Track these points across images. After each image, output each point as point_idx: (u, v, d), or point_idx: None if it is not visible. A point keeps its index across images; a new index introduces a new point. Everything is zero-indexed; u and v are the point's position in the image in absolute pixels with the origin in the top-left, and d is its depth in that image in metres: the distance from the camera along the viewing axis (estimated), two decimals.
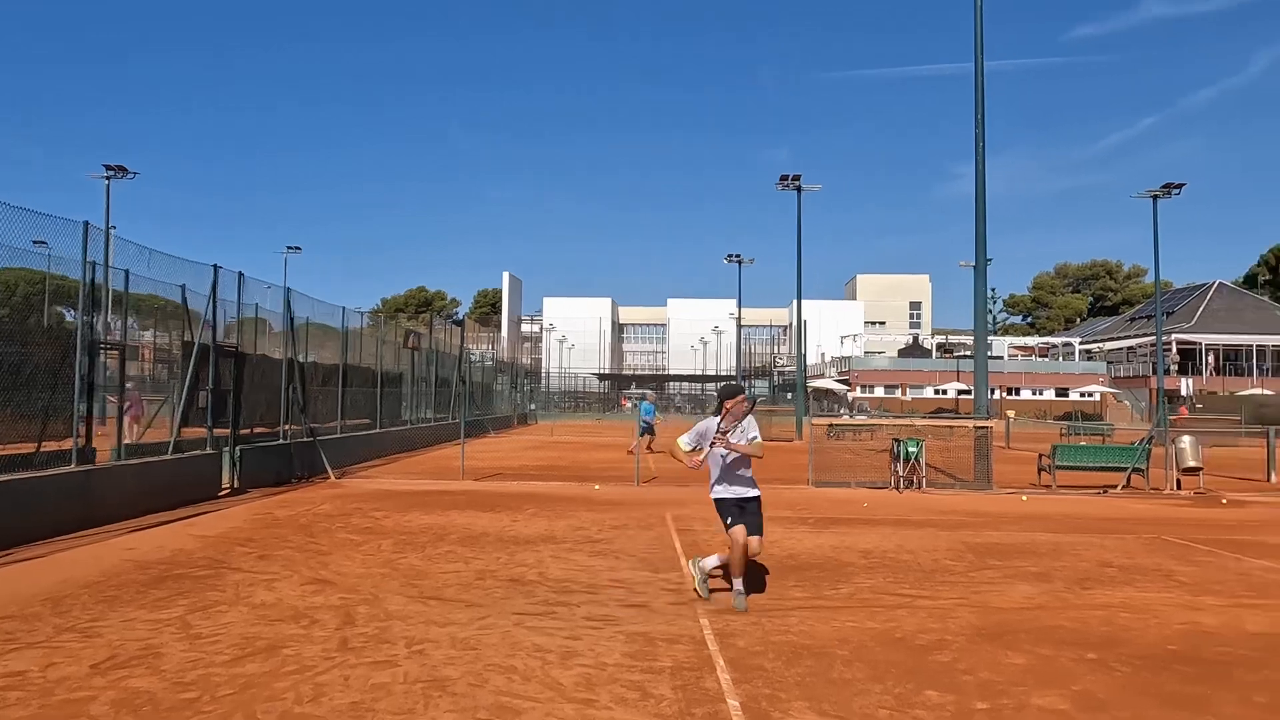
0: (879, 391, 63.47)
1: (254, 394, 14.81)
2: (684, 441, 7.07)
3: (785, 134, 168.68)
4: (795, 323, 35.64)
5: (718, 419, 6.87)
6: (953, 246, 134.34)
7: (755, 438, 6.92)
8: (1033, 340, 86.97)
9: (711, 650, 5.60)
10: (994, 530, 11.10)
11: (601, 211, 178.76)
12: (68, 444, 10.63)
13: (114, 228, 55.71)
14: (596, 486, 15.51)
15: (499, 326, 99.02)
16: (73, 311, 13.62)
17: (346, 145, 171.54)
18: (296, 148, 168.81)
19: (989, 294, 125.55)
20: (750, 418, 6.90)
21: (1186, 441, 16.33)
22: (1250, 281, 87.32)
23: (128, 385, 18.52)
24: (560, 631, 5.97)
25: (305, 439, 16.29)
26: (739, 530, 6.71)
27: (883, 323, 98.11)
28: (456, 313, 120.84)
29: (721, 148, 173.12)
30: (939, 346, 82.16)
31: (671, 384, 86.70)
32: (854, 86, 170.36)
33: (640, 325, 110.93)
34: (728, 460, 6.82)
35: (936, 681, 5.03)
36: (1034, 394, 65.52)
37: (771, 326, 60.97)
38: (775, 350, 60.23)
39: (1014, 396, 63.93)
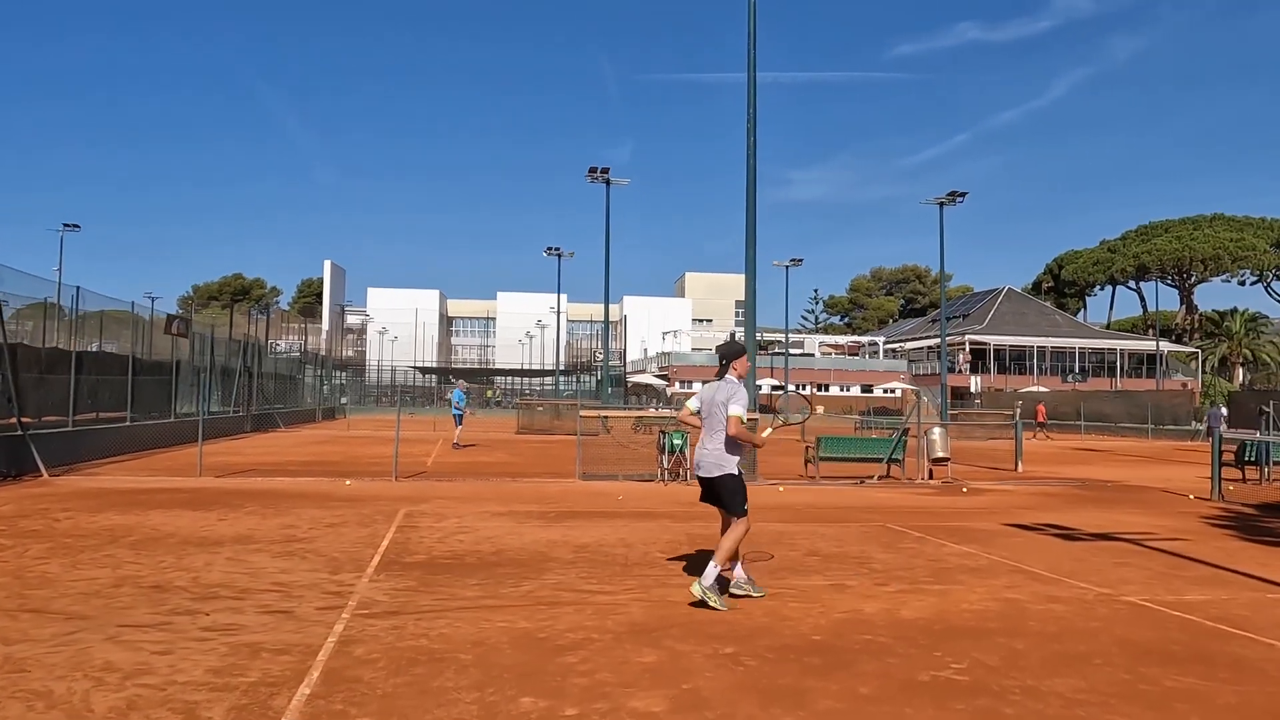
0: (697, 386, 64.65)
1: None
2: (692, 404, 6.92)
3: (626, 135, 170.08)
4: (605, 316, 35.58)
5: (725, 380, 6.64)
6: (782, 247, 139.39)
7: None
8: (842, 339, 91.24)
9: (318, 660, 5.01)
10: None
11: (435, 205, 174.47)
12: None
13: None
14: (347, 482, 14.59)
15: (322, 317, 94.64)
16: None
17: (160, 127, 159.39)
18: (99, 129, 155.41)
19: (812, 294, 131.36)
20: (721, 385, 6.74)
21: (937, 433, 17.10)
22: (1036, 288, 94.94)
23: None
24: (154, 646, 5.22)
25: (14, 432, 14.51)
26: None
27: (710, 320, 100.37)
28: (278, 302, 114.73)
29: (561, 147, 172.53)
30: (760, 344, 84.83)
31: (499, 377, 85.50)
32: (693, 90, 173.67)
33: (470, 319, 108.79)
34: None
35: (542, 686, 4.64)
36: (843, 390, 68.63)
37: (592, 322, 60.83)
38: (596, 345, 60.10)
39: (824, 392, 66.70)
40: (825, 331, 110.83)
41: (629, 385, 59.16)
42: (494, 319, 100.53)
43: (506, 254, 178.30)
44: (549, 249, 52.37)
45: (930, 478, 16.88)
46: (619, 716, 4.25)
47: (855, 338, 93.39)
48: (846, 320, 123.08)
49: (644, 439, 18.66)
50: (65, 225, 57.39)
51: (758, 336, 19.13)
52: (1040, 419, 40.83)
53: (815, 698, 4.55)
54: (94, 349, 20.07)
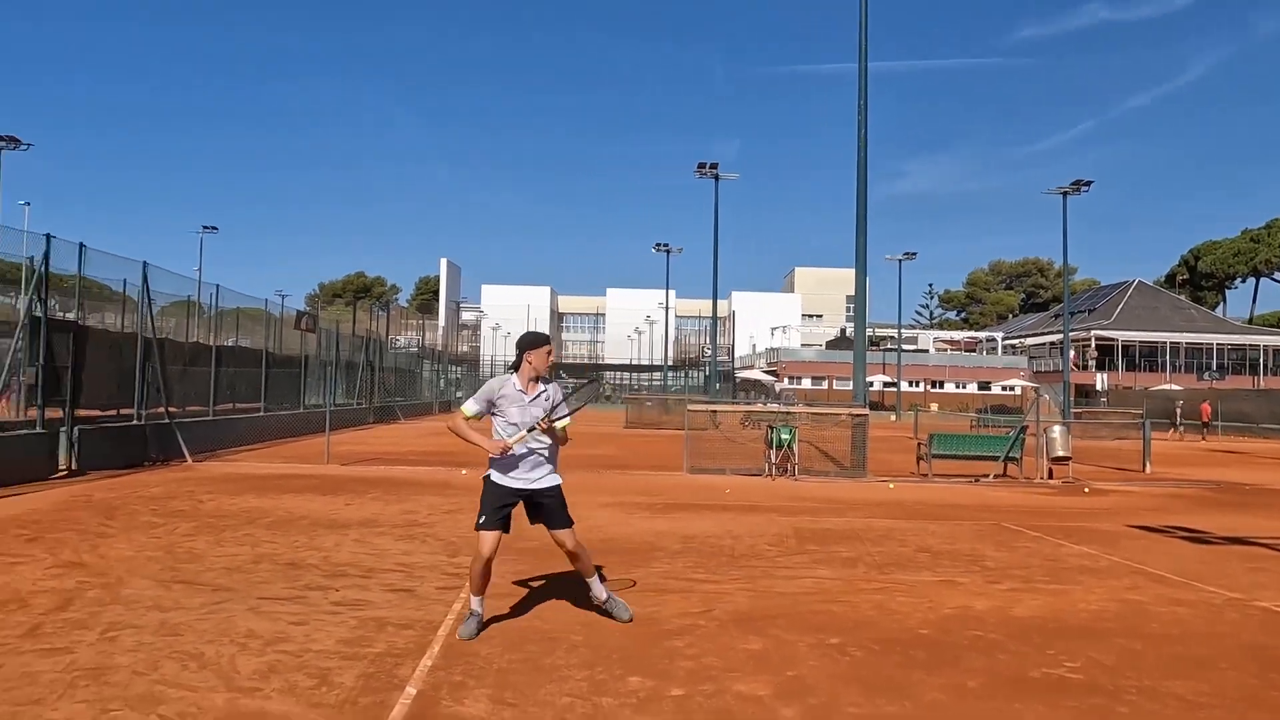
0: (806, 383, 63.95)
1: (100, 372, 14.13)
2: (469, 408, 5.39)
3: (734, 130, 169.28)
4: (713, 311, 35.61)
5: (513, 377, 5.34)
6: (894, 241, 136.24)
7: (565, 416, 5.40)
8: (958, 335, 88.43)
9: (439, 635, 5.30)
10: (836, 516, 11.00)
11: (546, 200, 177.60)
12: None
13: (27, 204, 53.57)
14: (463, 471, 15.13)
15: (438, 313, 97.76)
16: None
17: (289, 128, 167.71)
18: (233, 130, 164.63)
19: (926, 289, 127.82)
20: (555, 385, 5.47)
21: (1057, 431, 16.51)
22: (1170, 281, 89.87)
23: None
24: (290, 617, 5.62)
25: (163, 420, 15.64)
26: (486, 537, 5.24)
27: (820, 315, 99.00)
28: (397, 299, 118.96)
29: (670, 142, 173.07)
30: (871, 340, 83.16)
31: (608, 373, 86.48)
32: (804, 82, 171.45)
33: (579, 314, 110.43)
34: (527, 446, 5.29)
35: (648, 667, 4.79)
36: (958, 387, 66.59)
37: (700, 317, 60.90)
38: (705, 341, 60.06)
39: (938, 390, 64.91)
40: (940, 327, 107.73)
41: (737, 381, 58.96)
42: (603, 315, 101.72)
43: (615, 250, 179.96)
44: (657, 245, 52.71)
45: (1050, 477, 16.31)
46: (724, 699, 4.36)
47: (972, 333, 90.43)
48: (963, 316, 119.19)
49: (751, 434, 18.64)
50: (204, 227, 60.97)
51: (869, 332, 18.83)
52: (1205, 418, 39.12)
53: (921, 690, 4.55)
54: (229, 344, 21.33)
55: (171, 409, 15.95)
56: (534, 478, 5.35)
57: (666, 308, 53.60)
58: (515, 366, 5.38)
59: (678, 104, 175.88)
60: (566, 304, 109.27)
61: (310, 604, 5.99)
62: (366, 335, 33.59)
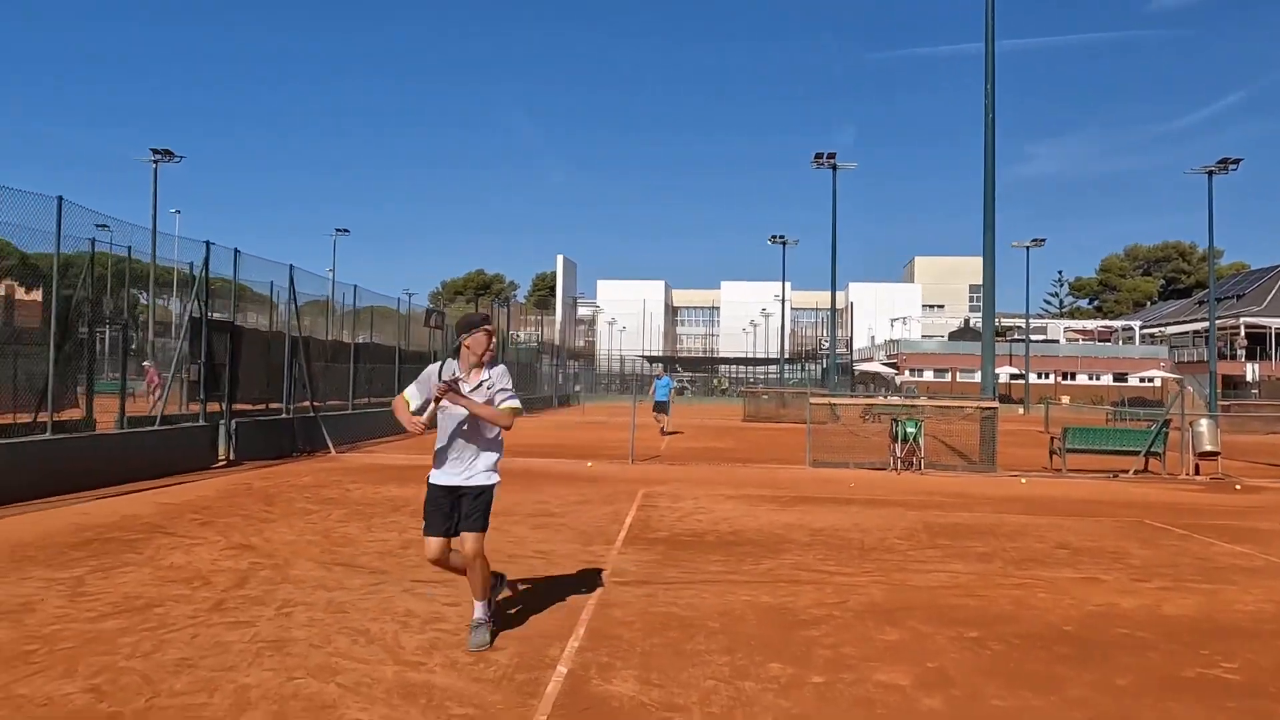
0: (928, 375, 62.29)
1: (253, 368, 15.11)
2: (410, 395, 4.93)
3: (849, 118, 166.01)
4: (831, 303, 35.15)
5: (453, 362, 4.92)
6: (1021, 227, 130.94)
7: (510, 399, 4.85)
8: (1091, 324, 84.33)
9: (582, 619, 5.54)
10: (966, 511, 10.79)
11: (660, 194, 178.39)
12: (72, 414, 11.04)
13: (178, 212, 57.47)
14: (589, 464, 15.50)
15: (555, 309, 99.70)
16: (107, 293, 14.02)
17: (413, 130, 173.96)
18: (357, 132, 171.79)
19: (1056, 276, 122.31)
20: (502, 369, 4.94)
21: (1204, 425, 15.66)
22: None
23: (144, 362, 19.09)
24: (443, 599, 5.97)
25: (309, 414, 16.60)
26: (431, 543, 4.92)
27: (942, 306, 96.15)
28: (515, 295, 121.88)
29: (784, 132, 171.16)
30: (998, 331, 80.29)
31: (723, 366, 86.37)
32: (919, 65, 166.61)
33: (694, 308, 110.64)
34: (457, 424, 4.82)
35: (787, 654, 4.89)
36: (1091, 379, 63.59)
37: (818, 310, 60.10)
38: (823, 334, 59.14)
39: (1070, 381, 62.16)
40: (1071, 316, 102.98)
41: (856, 373, 57.97)
42: (718, 308, 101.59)
43: (730, 243, 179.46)
44: (772, 237, 52.29)
45: (1196, 473, 15.49)
46: (865, 687, 4.43)
47: (1106, 322, 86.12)
48: (1095, 304, 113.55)
49: (874, 427, 18.38)
50: (337, 230, 63.94)
51: (995, 322, 18.27)
52: None
53: (1066, 685, 4.50)
54: (364, 341, 22.37)
55: (316, 403, 16.90)
56: (466, 474, 4.89)
57: (783, 300, 53.16)
58: (455, 352, 4.95)
59: (791, 94, 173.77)
60: (681, 297, 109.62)
61: (459, 588, 6.29)
62: (503, 333, 34.59)
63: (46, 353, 10.63)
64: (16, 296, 12.88)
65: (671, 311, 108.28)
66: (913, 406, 16.81)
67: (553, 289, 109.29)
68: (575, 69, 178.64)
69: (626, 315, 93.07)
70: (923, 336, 74.60)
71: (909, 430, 15.36)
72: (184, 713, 3.87)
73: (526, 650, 4.88)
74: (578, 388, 60.30)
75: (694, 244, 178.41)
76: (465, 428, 4.83)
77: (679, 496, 11.56)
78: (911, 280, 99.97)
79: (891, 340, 73.15)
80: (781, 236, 51.25)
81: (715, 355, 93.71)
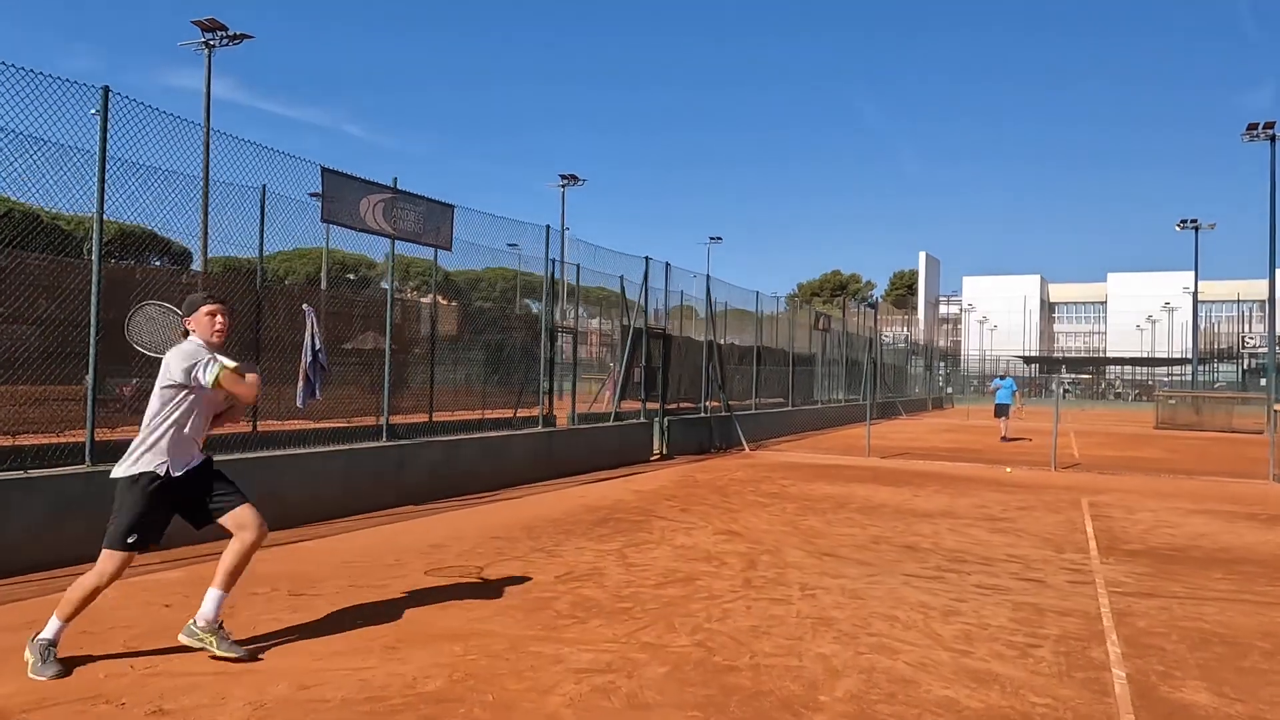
0: None
1: (678, 372, 16.53)
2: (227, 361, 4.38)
3: (1268, 74, 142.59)
4: (1270, 292, 30.49)
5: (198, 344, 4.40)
6: None
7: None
8: None
9: (1105, 626, 5.50)
10: None
11: (1030, 181, 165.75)
12: (534, 411, 12.94)
13: (568, 229, 64.17)
14: (1008, 469, 14.99)
15: (915, 308, 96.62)
16: (537, 303, 16.29)
17: (754, 131, 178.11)
18: (711, 142, 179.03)
19: None
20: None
21: None
22: None
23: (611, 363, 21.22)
24: (947, 594, 6.22)
25: (723, 413, 17.79)
26: (114, 558, 4.23)
27: None
28: (872, 295, 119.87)
29: (1177, 95, 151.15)
30: None
31: (1111, 367, 78.29)
32: None
33: (1074, 304, 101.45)
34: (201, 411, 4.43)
35: None
36: None
37: (1240, 302, 52.23)
38: (1244, 329, 51.20)
39: None
40: None
41: None
42: (1103, 303, 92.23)
43: (1116, 232, 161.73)
44: (1182, 222, 46.47)
45: None
46: None
47: None
48: None
49: None
50: (711, 238, 67.12)
51: None
52: None
53: None
54: (760, 345, 23.36)
55: (732, 403, 18.07)
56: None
57: (1195, 293, 46.94)
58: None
59: (1197, 55, 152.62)
60: (1058, 292, 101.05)
61: (952, 584, 6.56)
62: (869, 333, 34.44)
63: (536, 360, 12.51)
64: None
65: (1048, 308, 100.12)
66: None
67: (910, 287, 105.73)
68: (927, 61, 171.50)
69: (998, 313, 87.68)
70: None
71: None
72: (787, 672, 4.48)
73: (1066, 650, 4.97)
74: (949, 389, 58.03)
75: (1073, 236, 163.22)
76: (203, 409, 4.50)
77: (1131, 508, 10.84)
78: None
79: None
80: (1194, 221, 45.39)
81: (1102, 354, 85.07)
